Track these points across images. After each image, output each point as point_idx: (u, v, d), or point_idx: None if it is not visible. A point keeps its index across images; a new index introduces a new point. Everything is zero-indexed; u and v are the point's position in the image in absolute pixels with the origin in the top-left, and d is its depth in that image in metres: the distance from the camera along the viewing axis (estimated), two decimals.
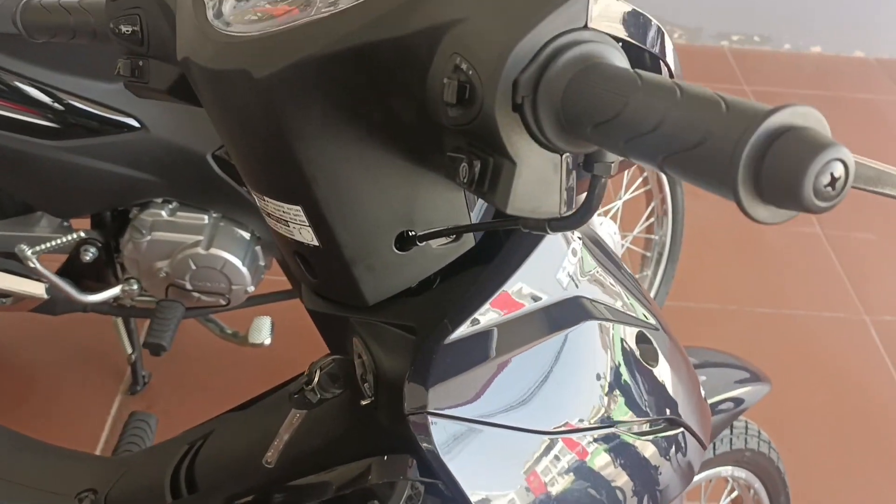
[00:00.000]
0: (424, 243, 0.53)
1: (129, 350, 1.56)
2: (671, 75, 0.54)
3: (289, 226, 0.53)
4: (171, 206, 1.34)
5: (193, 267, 1.33)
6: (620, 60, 0.38)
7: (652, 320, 0.65)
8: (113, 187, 1.29)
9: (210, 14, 0.54)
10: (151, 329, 1.29)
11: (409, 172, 0.51)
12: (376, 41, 0.44)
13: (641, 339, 0.62)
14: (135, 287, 1.37)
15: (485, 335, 0.53)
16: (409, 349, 0.52)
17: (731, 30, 3.11)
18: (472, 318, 0.53)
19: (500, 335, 0.54)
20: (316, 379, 0.54)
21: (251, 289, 1.38)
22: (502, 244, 0.56)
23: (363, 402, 0.54)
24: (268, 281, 1.45)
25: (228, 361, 1.65)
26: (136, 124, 1.25)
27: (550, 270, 0.57)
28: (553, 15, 0.37)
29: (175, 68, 0.63)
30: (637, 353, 0.61)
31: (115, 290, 1.37)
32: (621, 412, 0.59)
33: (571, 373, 0.57)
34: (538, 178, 0.39)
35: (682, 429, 0.64)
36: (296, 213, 0.51)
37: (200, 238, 1.33)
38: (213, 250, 1.33)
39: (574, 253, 0.58)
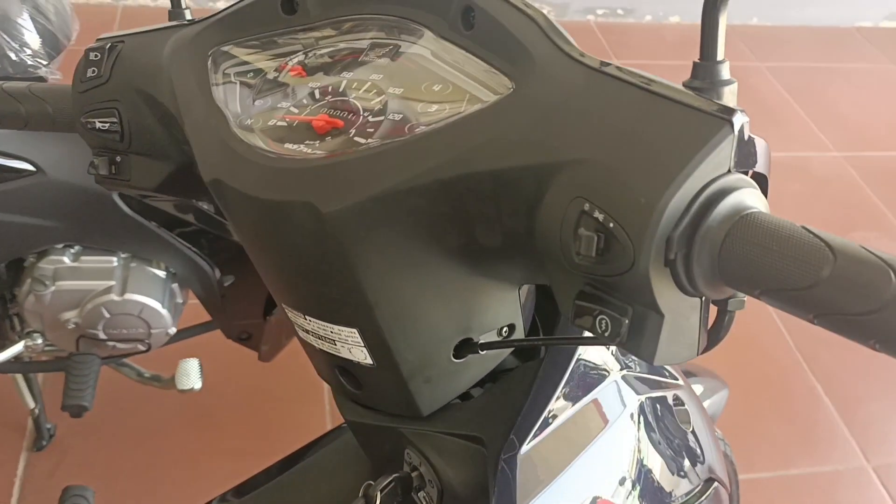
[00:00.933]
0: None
1: (31, 404, 1.43)
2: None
3: (335, 345, 0.49)
4: (73, 252, 1.22)
5: (107, 315, 1.23)
6: (762, 202, 0.36)
7: (671, 370, 0.65)
8: (9, 238, 1.16)
9: (233, 125, 0.48)
10: (68, 389, 1.19)
11: (474, 282, 0.48)
12: (471, 173, 0.40)
13: (677, 401, 0.62)
14: (39, 342, 1.26)
15: (557, 438, 0.51)
16: (477, 462, 0.50)
17: (595, 4, 3.17)
18: (542, 419, 0.51)
19: (569, 435, 0.52)
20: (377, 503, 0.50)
21: (172, 330, 1.29)
22: (538, 325, 0.54)
23: None
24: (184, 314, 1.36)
25: (140, 399, 1.55)
26: (31, 168, 1.13)
27: (596, 356, 0.56)
28: (704, 163, 0.34)
29: (165, 165, 0.56)
30: (677, 420, 0.61)
31: (17, 348, 1.24)
32: (678, 486, 0.59)
33: (630, 456, 0.56)
34: (681, 324, 0.36)
35: (716, 483, 0.64)
36: (349, 334, 0.47)
37: (111, 283, 1.23)
38: (129, 295, 1.23)
39: None
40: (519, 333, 0.52)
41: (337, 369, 0.51)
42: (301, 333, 0.51)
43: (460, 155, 0.40)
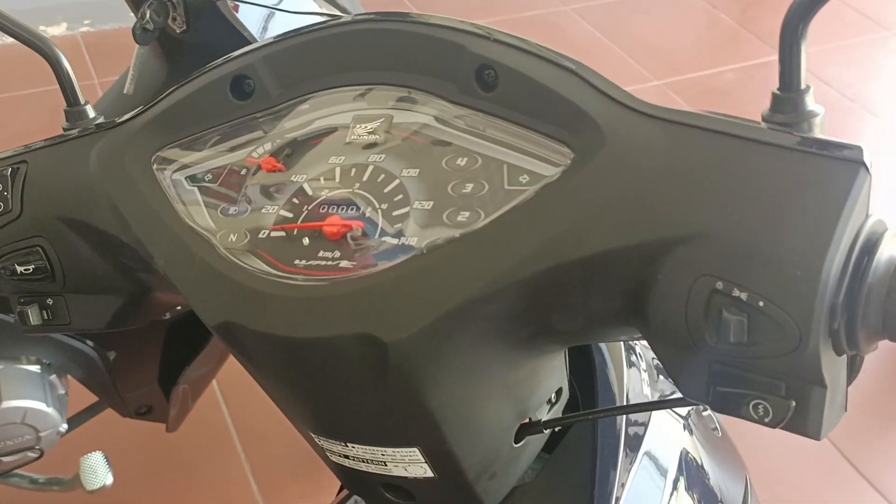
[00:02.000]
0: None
1: None
2: None
3: (386, 465, 0.42)
4: None
5: None
6: None
7: None
8: None
9: (219, 248, 0.40)
10: None
11: (533, 362, 0.43)
12: (560, 265, 0.34)
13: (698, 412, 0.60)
14: None
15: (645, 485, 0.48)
16: None
17: None
18: (615, 487, 0.47)
19: (644, 493, 0.49)
20: None
21: (64, 427, 1.14)
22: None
23: None
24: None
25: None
26: None
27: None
28: (852, 216, 0.31)
29: (112, 299, 0.47)
30: (710, 429, 0.59)
31: None
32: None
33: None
34: (835, 388, 0.33)
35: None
36: (407, 453, 0.41)
37: None
38: (5, 403, 1.08)
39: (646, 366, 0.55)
40: (565, 394, 0.48)
41: (382, 486, 0.45)
42: (334, 458, 0.44)
43: (545, 246, 0.35)
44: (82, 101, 0.49)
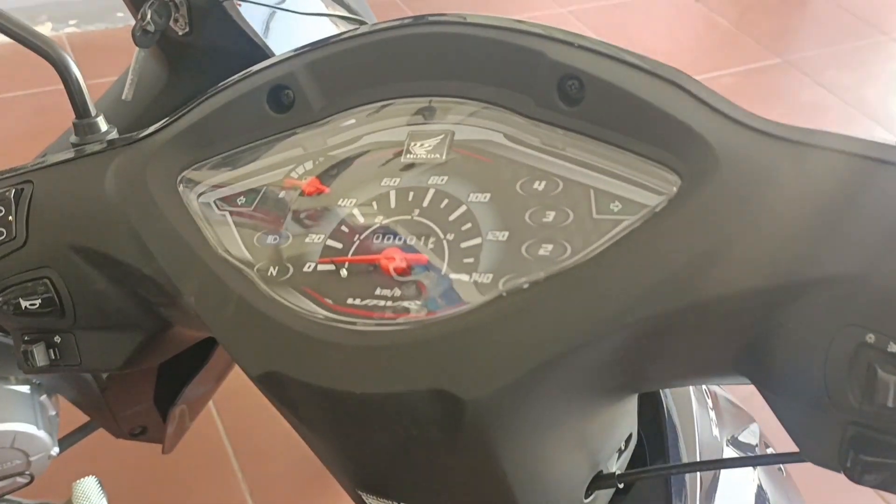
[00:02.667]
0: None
1: None
2: None
3: None
4: None
5: None
6: None
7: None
8: None
9: (260, 284, 0.34)
10: None
11: (609, 410, 0.38)
12: (667, 311, 0.29)
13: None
14: None
15: None
16: None
17: None
18: None
19: None
20: None
21: (55, 450, 1.08)
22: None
23: None
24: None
25: None
26: None
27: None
28: None
29: (130, 336, 0.41)
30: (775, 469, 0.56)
31: None
32: None
33: None
34: None
35: None
36: None
37: None
38: None
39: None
40: (634, 439, 0.43)
41: None
42: None
43: (654, 289, 0.30)
44: (93, 113, 0.43)
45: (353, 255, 0.35)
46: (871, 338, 0.27)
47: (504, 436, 0.32)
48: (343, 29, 1.04)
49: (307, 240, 0.36)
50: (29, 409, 1.05)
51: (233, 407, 1.64)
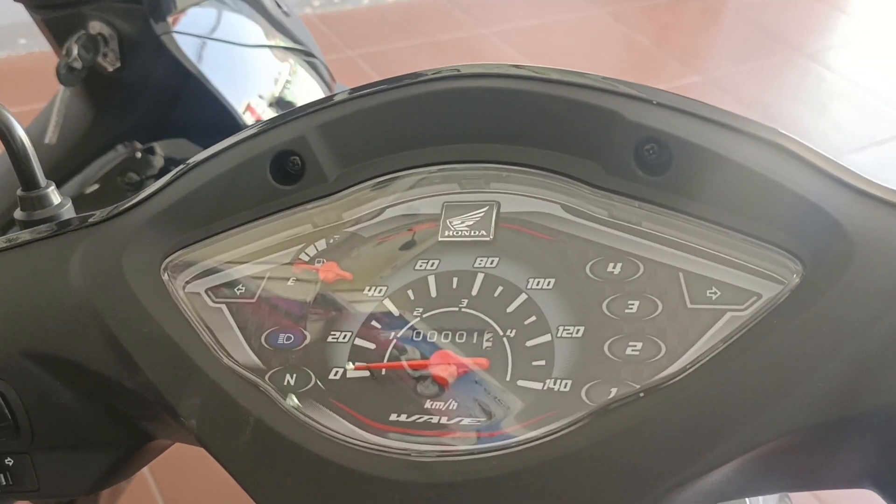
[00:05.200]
0: None
1: None
2: None
3: None
4: None
5: None
6: None
7: None
8: None
9: (281, 402, 0.28)
10: None
11: None
12: (803, 427, 0.24)
13: None
14: None
15: None
16: None
17: None
18: None
19: None
20: None
21: None
22: None
23: None
24: None
25: None
26: None
27: None
28: None
29: (99, 457, 0.36)
30: None
31: None
32: None
33: None
34: None
35: None
36: None
37: None
38: None
39: None
40: None
41: None
42: None
43: (787, 403, 0.24)
44: (42, 184, 0.36)
45: (389, 358, 0.28)
46: None
47: None
48: (288, 61, 0.96)
49: (330, 339, 0.29)
50: None
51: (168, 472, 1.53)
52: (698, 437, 0.24)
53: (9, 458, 0.34)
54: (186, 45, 0.85)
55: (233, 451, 0.28)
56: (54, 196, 0.36)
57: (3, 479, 0.34)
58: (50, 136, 0.82)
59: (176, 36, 0.83)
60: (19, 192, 0.35)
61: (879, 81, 2.88)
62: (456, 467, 0.25)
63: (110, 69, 0.82)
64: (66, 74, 0.78)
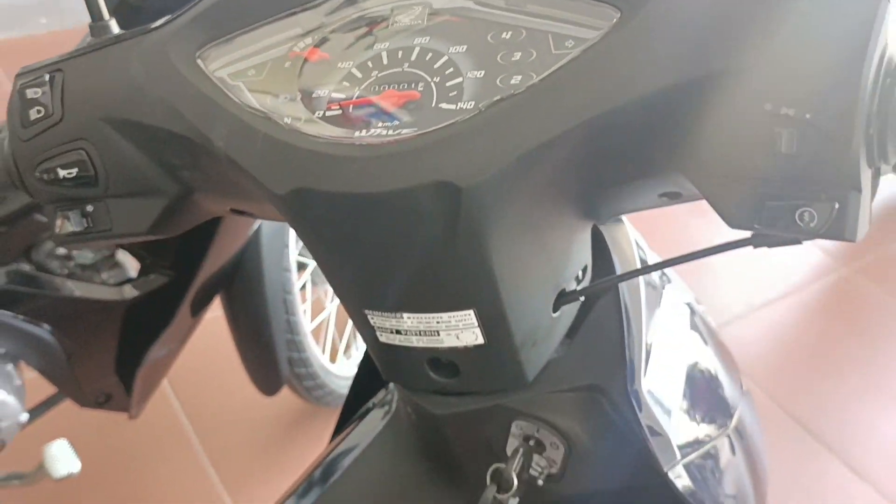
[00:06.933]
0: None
1: None
2: None
3: (439, 335, 0.44)
4: None
5: None
6: None
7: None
8: None
9: (284, 122, 0.41)
10: None
11: (572, 224, 0.45)
12: (624, 104, 0.37)
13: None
14: None
15: (661, 365, 0.51)
16: (598, 410, 0.48)
17: None
18: (645, 351, 0.51)
19: (669, 357, 0.53)
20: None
21: (24, 417, 1.11)
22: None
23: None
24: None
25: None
26: None
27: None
28: (879, 36, 0.35)
29: (155, 201, 0.47)
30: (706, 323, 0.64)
31: None
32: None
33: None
34: (864, 198, 0.37)
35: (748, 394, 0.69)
36: (461, 318, 0.43)
37: None
38: None
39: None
40: (589, 272, 0.51)
41: (427, 363, 0.47)
42: (384, 337, 0.45)
43: (607, 88, 0.37)
44: (106, 17, 0.49)
45: (359, 98, 0.41)
46: (768, 106, 0.36)
47: (493, 230, 0.39)
48: None
49: (315, 95, 0.42)
50: None
51: (188, 387, 1.67)
52: (548, 115, 0.37)
53: (89, 206, 0.47)
54: None
55: (249, 155, 0.41)
56: (114, 27, 0.49)
57: (84, 223, 0.47)
58: None
59: None
60: (90, 22, 0.48)
61: None
62: (393, 145, 0.39)
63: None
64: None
